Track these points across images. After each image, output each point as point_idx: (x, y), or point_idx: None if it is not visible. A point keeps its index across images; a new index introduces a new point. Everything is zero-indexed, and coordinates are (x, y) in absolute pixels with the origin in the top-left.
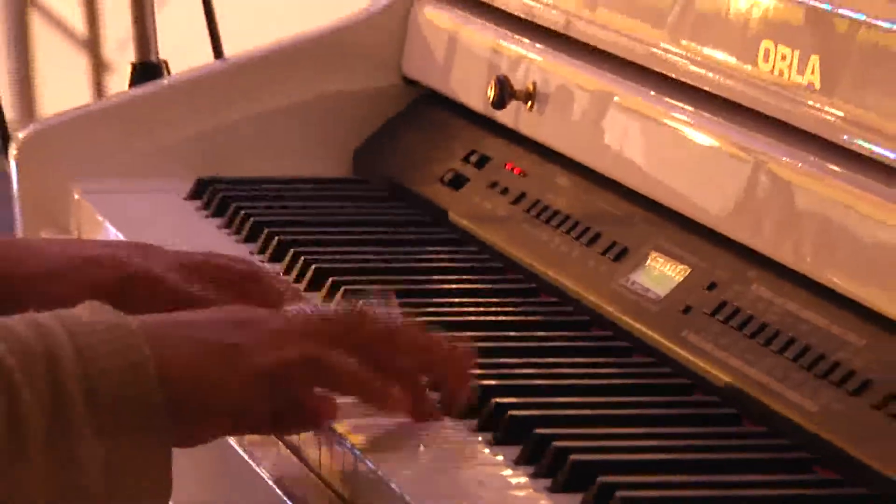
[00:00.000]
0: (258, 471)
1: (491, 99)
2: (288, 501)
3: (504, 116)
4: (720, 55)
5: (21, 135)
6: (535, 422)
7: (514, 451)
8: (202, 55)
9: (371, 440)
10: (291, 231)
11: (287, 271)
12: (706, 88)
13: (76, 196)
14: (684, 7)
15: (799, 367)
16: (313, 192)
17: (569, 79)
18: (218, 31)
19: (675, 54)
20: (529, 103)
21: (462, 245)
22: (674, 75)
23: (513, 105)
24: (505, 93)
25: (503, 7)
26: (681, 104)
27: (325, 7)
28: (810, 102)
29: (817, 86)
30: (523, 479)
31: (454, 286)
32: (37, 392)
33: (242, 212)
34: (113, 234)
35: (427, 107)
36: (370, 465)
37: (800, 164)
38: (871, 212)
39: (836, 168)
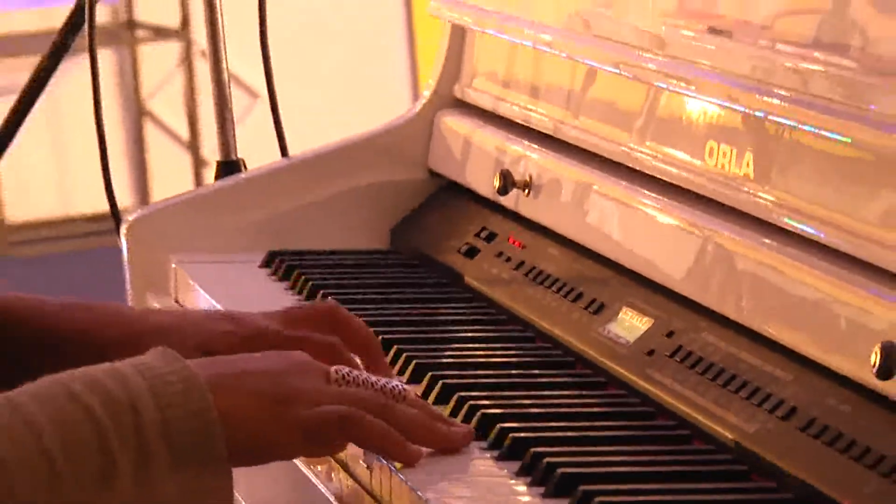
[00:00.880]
0: (319, 487)
1: (497, 187)
2: None
3: (507, 201)
4: (675, 152)
5: (131, 217)
6: (531, 442)
7: (516, 465)
8: (271, 154)
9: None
10: (340, 292)
11: None
12: (665, 179)
13: (173, 265)
14: (647, 115)
15: (739, 398)
16: (358, 261)
17: (558, 171)
18: (284, 135)
19: (641, 152)
20: (527, 191)
21: (474, 302)
22: (639, 168)
23: (514, 192)
24: (508, 182)
25: (506, 115)
26: (646, 191)
27: (369, 116)
28: (746, 189)
29: (752, 176)
30: (522, 488)
31: (468, 334)
32: (124, 438)
33: (303, 277)
34: (202, 295)
35: (448, 194)
36: (400, 476)
37: (739, 238)
38: (795, 275)
39: (767, 241)
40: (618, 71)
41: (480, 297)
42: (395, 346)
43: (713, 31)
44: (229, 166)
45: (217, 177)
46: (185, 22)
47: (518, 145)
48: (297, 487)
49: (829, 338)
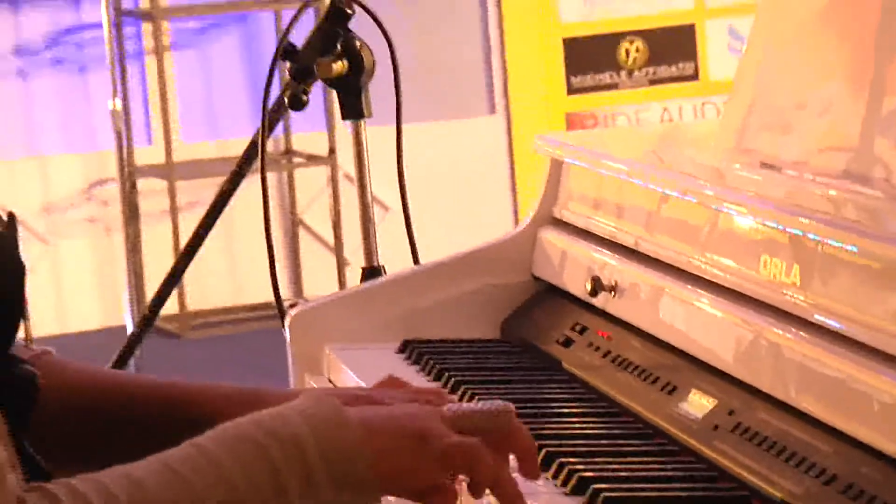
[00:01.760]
0: None
1: (588, 290)
2: None
3: (597, 301)
4: (733, 264)
5: (293, 312)
6: (619, 501)
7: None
8: (405, 261)
9: None
10: (461, 373)
11: (459, 400)
12: (725, 285)
13: (327, 351)
14: (709, 232)
15: (789, 465)
16: (475, 348)
17: (638, 278)
18: (416, 246)
19: (705, 262)
20: (613, 293)
21: (571, 383)
22: (703, 276)
23: (602, 294)
24: (597, 286)
25: (596, 232)
26: (709, 294)
27: (479, 230)
28: (792, 294)
29: (798, 284)
30: None
31: (565, 409)
32: (294, 470)
33: (431, 361)
34: (350, 375)
35: (548, 295)
36: None
37: (786, 334)
38: (834, 364)
39: (808, 336)
40: (685, 197)
41: (575, 379)
42: None
43: (764, 165)
44: (373, 271)
45: (362, 279)
46: (332, 150)
47: (606, 256)
48: None
49: (862, 415)
